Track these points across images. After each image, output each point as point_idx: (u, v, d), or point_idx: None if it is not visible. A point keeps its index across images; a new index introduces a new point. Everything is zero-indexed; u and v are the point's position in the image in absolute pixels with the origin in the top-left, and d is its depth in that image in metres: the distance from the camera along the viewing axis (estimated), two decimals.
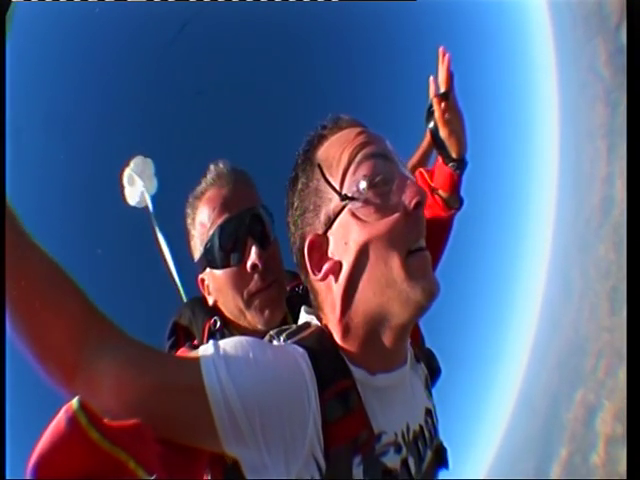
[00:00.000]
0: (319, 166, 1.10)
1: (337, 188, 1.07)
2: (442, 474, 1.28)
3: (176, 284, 2.85)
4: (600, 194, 21.06)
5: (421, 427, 1.18)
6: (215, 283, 1.67)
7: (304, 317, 1.23)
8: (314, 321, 1.17)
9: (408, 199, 1.03)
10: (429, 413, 1.25)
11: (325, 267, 1.08)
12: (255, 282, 1.58)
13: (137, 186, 3.17)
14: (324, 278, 1.09)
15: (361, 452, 0.99)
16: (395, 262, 1.01)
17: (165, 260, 3.04)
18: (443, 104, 1.70)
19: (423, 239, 1.07)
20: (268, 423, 0.89)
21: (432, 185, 1.82)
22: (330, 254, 1.09)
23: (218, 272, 1.63)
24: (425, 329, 1.46)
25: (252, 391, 0.89)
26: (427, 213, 1.25)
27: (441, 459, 1.26)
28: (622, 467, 12.98)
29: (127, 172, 3.23)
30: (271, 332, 1.13)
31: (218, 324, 1.64)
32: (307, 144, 1.17)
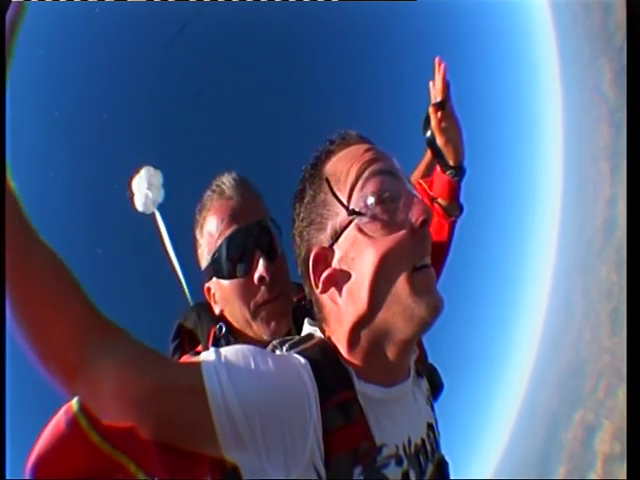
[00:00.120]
0: (327, 180, 1.10)
1: (344, 202, 1.06)
2: None
3: (182, 286, 2.87)
4: (603, 216, 21.06)
5: (423, 440, 1.17)
6: (222, 293, 1.66)
7: (307, 329, 1.22)
8: (317, 333, 1.17)
9: (415, 217, 1.03)
10: (431, 427, 1.24)
11: (323, 277, 1.08)
12: (262, 294, 1.58)
13: (145, 194, 3.21)
14: (326, 290, 1.09)
15: (362, 463, 0.98)
16: (401, 278, 1.01)
17: (171, 263, 3.08)
18: (439, 113, 1.71)
19: (428, 257, 1.07)
20: (268, 429, 0.88)
21: (431, 194, 1.82)
22: (335, 269, 1.08)
23: (225, 282, 1.63)
24: (428, 345, 1.47)
25: (253, 397, 0.89)
26: None
27: (442, 473, 1.25)
28: None
29: (136, 180, 3.26)
30: (274, 342, 1.13)
31: (223, 330, 1.65)
32: (315, 158, 1.16)
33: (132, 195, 3.27)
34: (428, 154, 1.98)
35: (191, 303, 2.34)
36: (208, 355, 0.94)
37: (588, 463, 16.84)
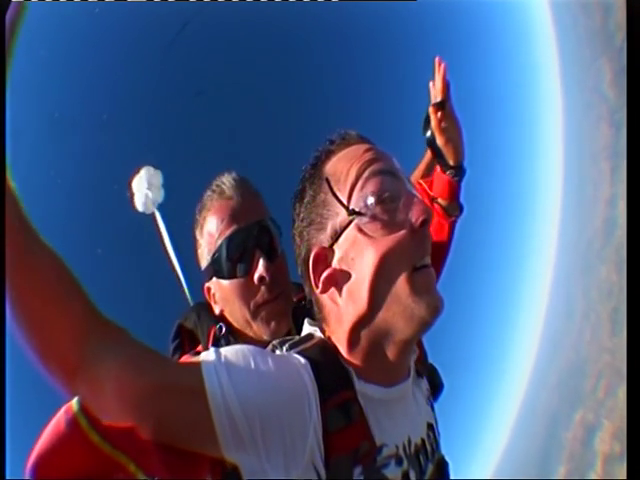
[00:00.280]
0: (327, 180, 1.10)
1: (345, 202, 1.06)
2: None
3: (182, 286, 2.88)
4: (603, 216, 21.04)
5: (423, 441, 1.17)
6: (221, 293, 1.67)
7: (307, 329, 1.22)
8: (317, 333, 1.17)
9: (415, 217, 1.04)
10: (431, 427, 1.24)
11: (323, 277, 1.08)
12: (262, 294, 1.59)
13: (145, 194, 3.22)
14: (325, 289, 1.09)
15: (362, 463, 0.99)
16: (401, 278, 1.01)
17: (171, 263, 3.11)
18: (439, 113, 1.71)
19: (428, 257, 1.07)
20: (268, 430, 0.88)
21: (431, 194, 1.83)
22: (334, 268, 1.09)
23: (225, 282, 1.63)
24: (427, 345, 1.47)
25: (253, 398, 0.89)
26: None
27: (443, 473, 1.25)
28: None
29: (136, 180, 3.27)
30: (274, 342, 1.13)
31: (223, 330, 1.65)
32: (315, 158, 1.17)
33: (132, 195, 3.29)
34: (428, 154, 1.98)
35: (191, 303, 2.36)
36: (208, 355, 0.94)
37: (588, 463, 16.83)
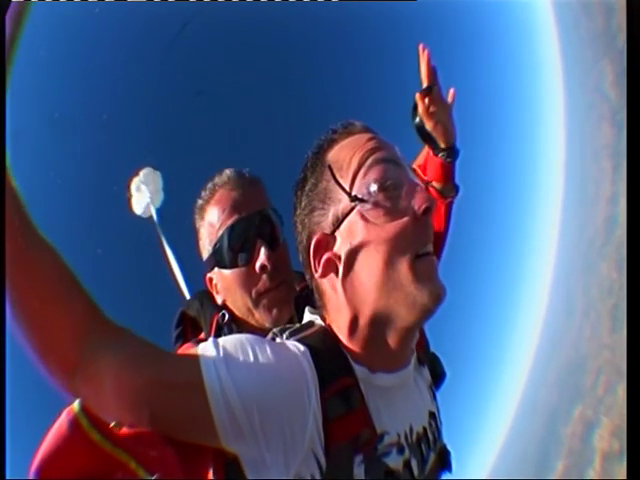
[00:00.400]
0: (329, 167, 1.09)
1: (347, 189, 1.05)
2: (445, 477, 1.26)
3: (181, 291, 2.95)
4: (604, 214, 20.97)
5: (425, 429, 1.17)
6: (223, 282, 1.66)
7: (308, 317, 1.21)
8: (318, 321, 1.16)
9: (417, 204, 1.03)
10: (433, 416, 1.24)
11: (322, 262, 1.08)
12: (264, 282, 1.58)
13: (144, 197, 3.24)
14: (323, 275, 1.08)
15: (362, 451, 0.98)
16: (403, 265, 1.00)
17: (170, 267, 3.12)
18: (427, 99, 1.71)
19: (431, 244, 1.06)
20: (267, 420, 0.88)
21: (425, 178, 1.81)
22: (336, 254, 1.08)
23: (227, 272, 1.62)
24: (429, 338, 1.47)
25: (251, 389, 0.88)
26: None
27: (444, 462, 1.25)
28: None
29: (135, 182, 3.29)
30: (274, 330, 1.12)
31: (226, 318, 1.65)
32: (317, 147, 1.16)
33: (130, 197, 3.31)
34: (426, 148, 1.95)
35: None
36: (206, 348, 0.94)
37: (587, 460, 16.77)
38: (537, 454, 26.95)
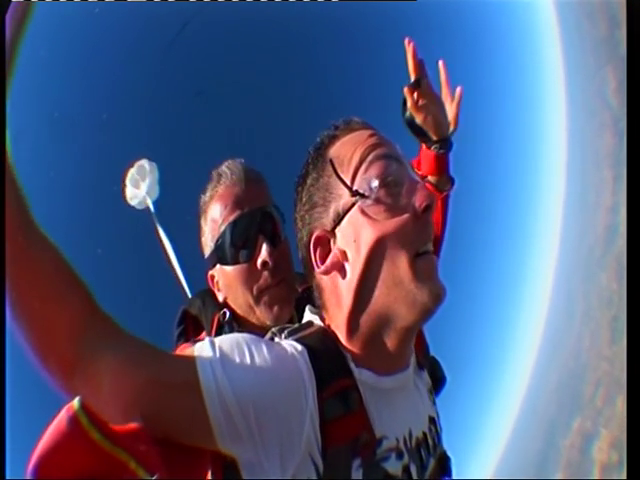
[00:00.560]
0: (331, 162, 1.10)
1: (348, 184, 1.05)
2: None
3: (181, 283, 2.88)
4: (604, 223, 21.05)
5: (424, 434, 1.15)
6: (225, 279, 1.66)
7: (308, 316, 1.20)
8: (317, 321, 1.15)
9: (418, 202, 1.03)
10: (433, 421, 1.23)
11: (329, 259, 1.07)
12: (265, 279, 1.58)
13: (140, 189, 3.18)
14: (328, 271, 1.08)
15: (361, 455, 0.97)
16: (403, 262, 1.00)
17: (169, 260, 3.07)
18: (415, 93, 1.69)
19: (431, 243, 1.06)
20: (264, 421, 0.88)
21: (419, 173, 1.77)
22: (337, 251, 1.08)
23: (228, 268, 1.63)
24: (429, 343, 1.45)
25: (248, 388, 0.88)
26: None
27: (444, 468, 1.23)
28: None
29: (131, 173, 3.24)
30: (273, 329, 1.12)
31: (227, 316, 1.65)
32: (318, 143, 1.16)
33: (124, 188, 3.24)
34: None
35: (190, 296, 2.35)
36: (203, 347, 0.94)
37: (585, 471, 16.80)
38: (536, 466, 26.98)
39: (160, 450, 0.83)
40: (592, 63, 23.54)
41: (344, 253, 1.06)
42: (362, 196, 1.04)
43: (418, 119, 1.73)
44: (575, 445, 19.21)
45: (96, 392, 0.84)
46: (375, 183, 1.03)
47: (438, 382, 1.40)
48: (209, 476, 0.94)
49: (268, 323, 1.56)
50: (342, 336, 1.08)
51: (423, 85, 1.70)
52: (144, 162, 3.25)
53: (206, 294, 1.80)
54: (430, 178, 1.78)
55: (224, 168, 1.70)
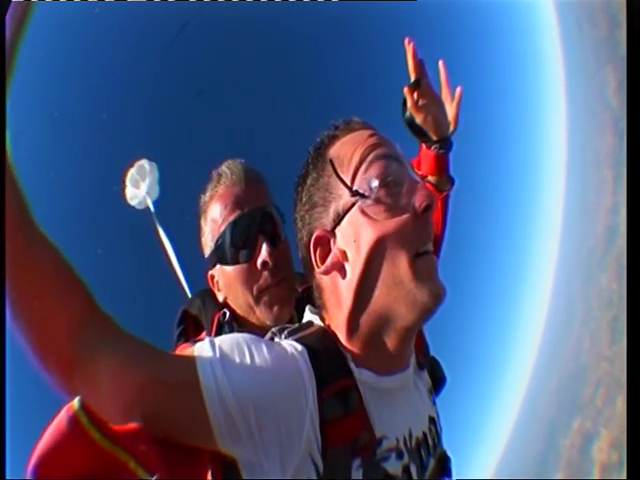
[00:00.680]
0: (331, 161, 1.10)
1: (348, 184, 1.05)
2: None
3: (181, 283, 2.89)
4: (605, 224, 21.03)
5: (424, 434, 1.15)
6: (225, 279, 1.66)
7: (308, 316, 1.20)
8: (317, 321, 1.15)
9: (418, 202, 1.03)
10: (433, 421, 1.23)
11: (329, 259, 1.07)
12: (265, 279, 1.58)
13: (140, 189, 3.19)
14: (328, 271, 1.08)
15: (361, 455, 0.97)
16: (403, 262, 1.00)
17: (169, 260, 3.09)
18: (415, 93, 1.69)
19: (431, 243, 1.06)
20: (264, 421, 0.88)
21: (419, 173, 1.77)
22: (337, 251, 1.08)
23: (228, 268, 1.63)
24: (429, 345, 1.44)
25: (247, 388, 0.88)
26: None
27: (444, 468, 1.23)
28: None
29: (131, 173, 3.25)
30: (273, 329, 1.12)
31: (227, 316, 1.65)
32: (318, 143, 1.16)
33: (124, 188, 3.27)
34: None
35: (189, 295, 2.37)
36: (202, 347, 0.94)
37: (585, 471, 16.79)
38: (536, 466, 26.97)
39: (160, 450, 0.83)
40: (592, 63, 23.53)
41: (344, 253, 1.06)
42: (362, 196, 1.04)
43: (418, 119, 1.73)
44: (575, 445, 19.19)
45: (96, 392, 0.84)
46: (375, 183, 1.03)
47: (438, 382, 1.39)
48: (209, 476, 0.93)
49: (268, 323, 1.56)
50: (342, 336, 1.07)
51: (423, 85, 1.70)
52: (144, 162, 3.27)
53: (206, 294, 1.80)
54: (430, 178, 1.78)
55: (224, 168, 1.70)
